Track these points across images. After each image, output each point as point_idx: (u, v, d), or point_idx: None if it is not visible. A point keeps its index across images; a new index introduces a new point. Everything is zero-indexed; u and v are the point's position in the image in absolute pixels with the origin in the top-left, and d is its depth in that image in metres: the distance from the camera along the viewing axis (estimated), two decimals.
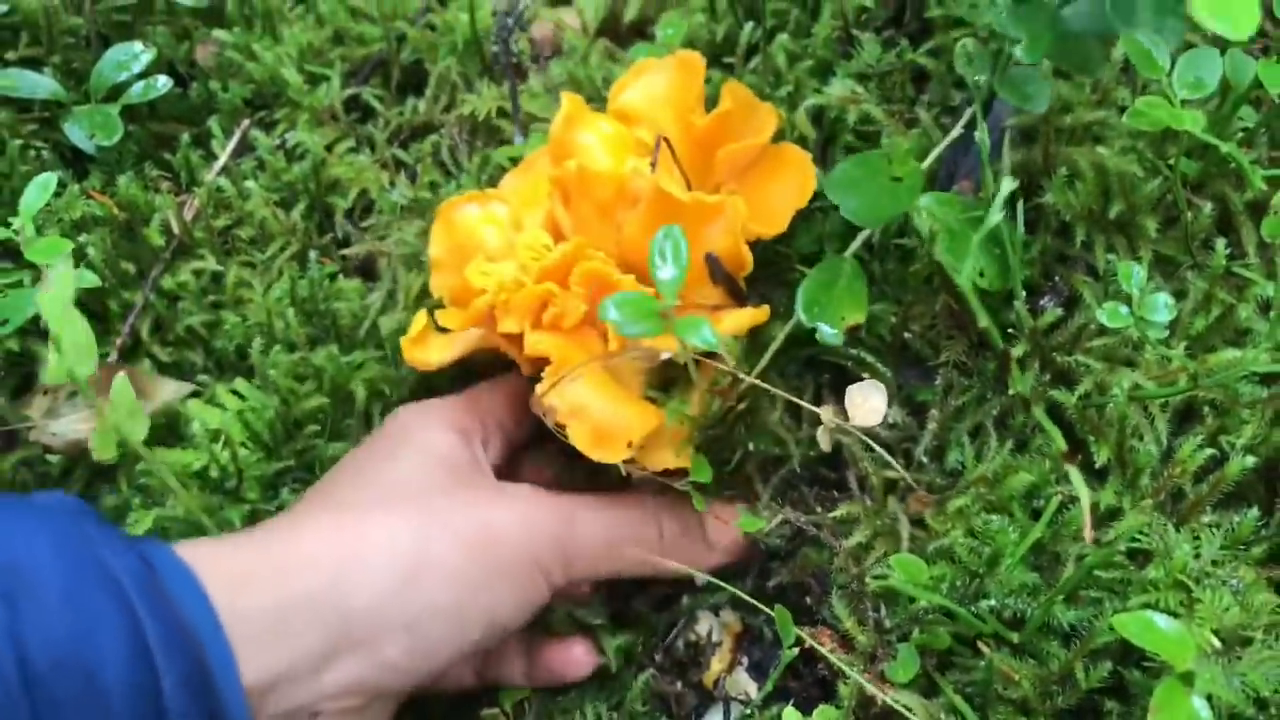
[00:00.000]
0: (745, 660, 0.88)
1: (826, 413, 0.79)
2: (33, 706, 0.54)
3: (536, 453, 0.89)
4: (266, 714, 0.65)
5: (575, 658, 0.82)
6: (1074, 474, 0.65)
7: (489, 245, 0.88)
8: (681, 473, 0.80)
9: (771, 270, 0.91)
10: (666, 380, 0.85)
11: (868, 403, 0.76)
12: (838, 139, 0.93)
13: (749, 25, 1.01)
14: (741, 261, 0.81)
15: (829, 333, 0.76)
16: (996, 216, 0.65)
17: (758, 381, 0.76)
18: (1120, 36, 0.65)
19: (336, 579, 0.67)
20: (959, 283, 0.68)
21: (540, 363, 0.79)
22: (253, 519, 0.90)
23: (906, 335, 0.86)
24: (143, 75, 1.06)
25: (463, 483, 0.76)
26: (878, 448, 0.77)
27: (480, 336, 0.84)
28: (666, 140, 0.83)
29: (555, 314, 0.79)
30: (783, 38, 1.00)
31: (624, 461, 0.76)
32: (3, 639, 0.54)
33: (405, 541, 0.70)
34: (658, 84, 0.91)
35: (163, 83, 1.06)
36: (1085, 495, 0.65)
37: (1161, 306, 0.69)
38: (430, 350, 0.86)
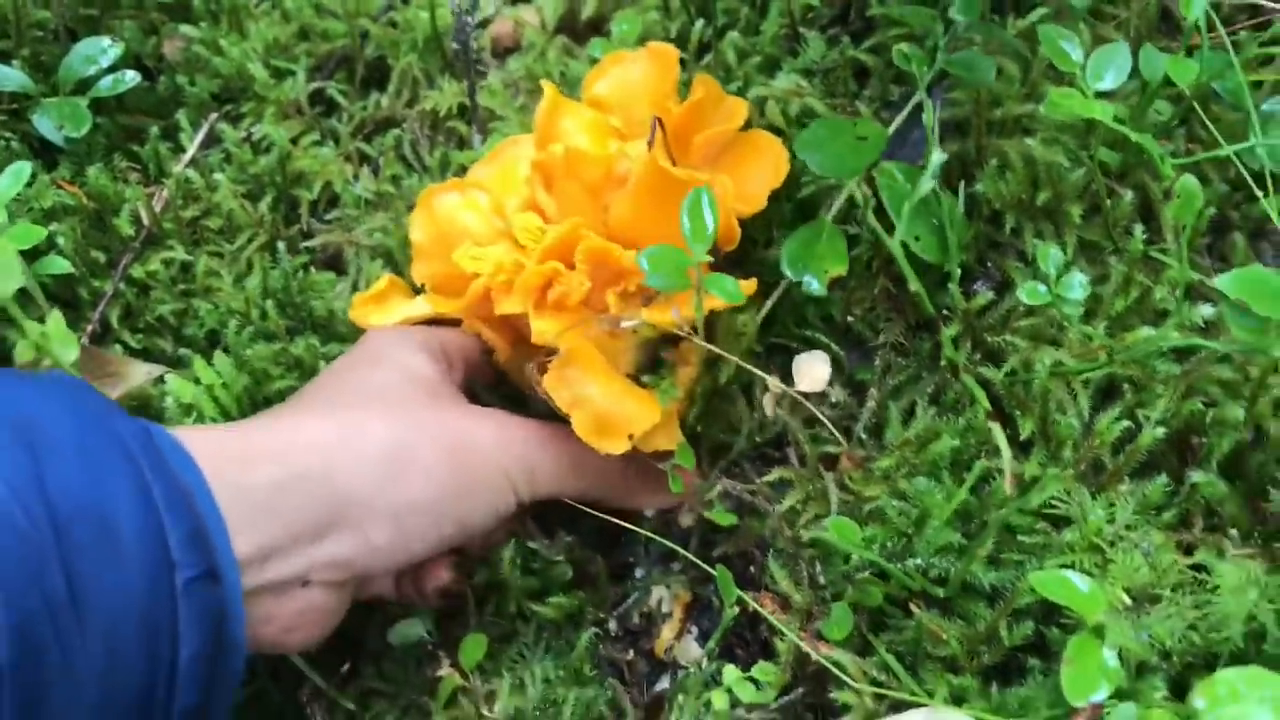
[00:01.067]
0: (694, 629, 0.92)
1: (774, 380, 0.83)
2: (60, 548, 0.57)
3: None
4: (265, 578, 0.70)
5: (436, 573, 0.87)
6: (996, 431, 0.70)
7: (474, 231, 0.91)
8: (666, 454, 0.85)
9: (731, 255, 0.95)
10: (654, 361, 0.89)
11: (812, 371, 0.81)
12: (785, 133, 0.97)
13: (700, 23, 1.05)
14: (731, 235, 0.85)
15: (814, 284, 0.80)
16: (930, 183, 0.70)
17: (739, 361, 0.80)
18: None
19: (332, 463, 0.73)
20: (890, 247, 0.72)
21: (525, 346, 0.82)
22: None
23: (849, 318, 0.91)
24: (111, 69, 1.08)
25: (439, 398, 0.82)
26: (817, 413, 0.82)
27: (428, 312, 0.88)
28: (660, 121, 0.87)
29: (561, 293, 0.82)
30: (733, 35, 1.04)
31: None
32: (30, 485, 0.58)
33: (392, 439, 0.76)
34: (632, 74, 0.94)
35: (130, 76, 1.08)
36: (1006, 452, 0.70)
37: (1077, 285, 0.73)
38: (374, 314, 0.91)
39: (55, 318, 0.84)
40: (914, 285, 0.75)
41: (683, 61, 1.06)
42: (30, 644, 0.55)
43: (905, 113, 0.90)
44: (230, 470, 0.69)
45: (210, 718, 0.67)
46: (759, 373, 0.82)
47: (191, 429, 0.73)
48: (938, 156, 0.70)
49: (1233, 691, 0.63)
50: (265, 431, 0.75)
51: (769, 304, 0.90)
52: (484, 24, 1.19)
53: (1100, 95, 0.75)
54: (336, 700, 0.89)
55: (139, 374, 0.97)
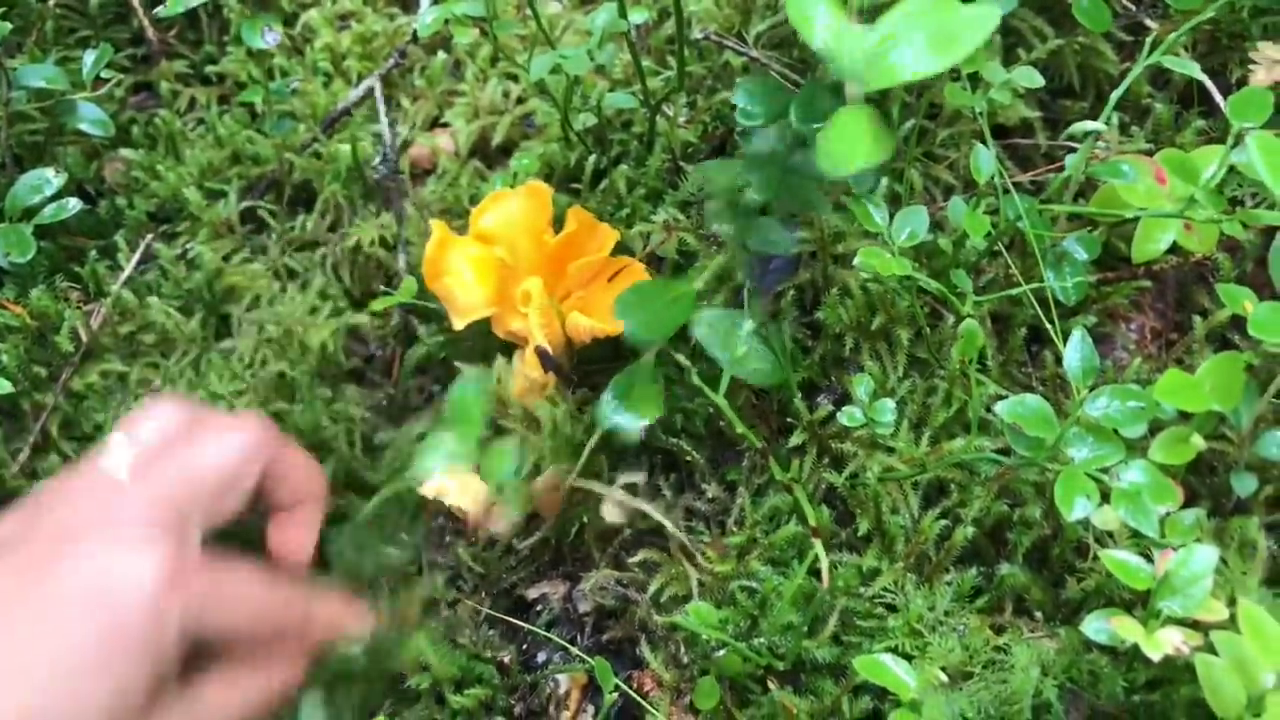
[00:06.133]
0: (591, 708, 1.02)
1: (612, 491, 0.95)
2: None
3: None
4: None
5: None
6: (817, 544, 0.81)
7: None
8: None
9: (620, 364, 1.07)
10: None
11: (630, 478, 0.96)
12: (665, 260, 1.10)
13: (595, 155, 1.18)
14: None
15: (628, 425, 0.91)
16: (748, 325, 0.82)
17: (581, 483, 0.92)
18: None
19: None
20: (715, 400, 0.85)
21: None
22: None
23: (720, 424, 1.03)
24: (54, 197, 1.18)
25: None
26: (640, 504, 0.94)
27: None
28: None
29: None
30: (623, 167, 1.17)
31: None
32: None
33: None
34: (512, 209, 1.08)
35: (73, 204, 1.18)
36: (823, 553, 0.82)
37: (888, 410, 0.86)
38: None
39: None
40: (740, 428, 0.88)
41: (577, 191, 1.19)
42: None
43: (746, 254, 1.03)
44: None
45: None
46: (595, 485, 0.95)
47: None
48: (757, 310, 0.82)
49: None
50: None
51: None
52: (404, 147, 1.31)
53: (902, 250, 0.88)
54: None
55: None
